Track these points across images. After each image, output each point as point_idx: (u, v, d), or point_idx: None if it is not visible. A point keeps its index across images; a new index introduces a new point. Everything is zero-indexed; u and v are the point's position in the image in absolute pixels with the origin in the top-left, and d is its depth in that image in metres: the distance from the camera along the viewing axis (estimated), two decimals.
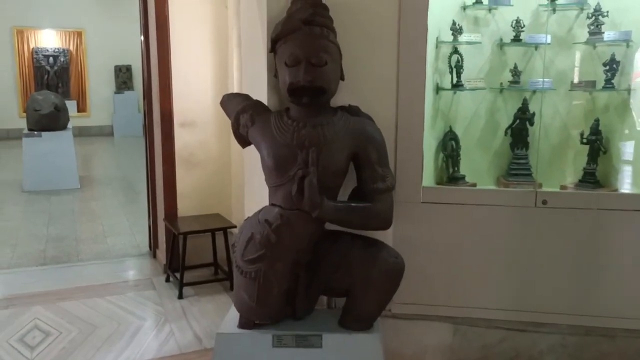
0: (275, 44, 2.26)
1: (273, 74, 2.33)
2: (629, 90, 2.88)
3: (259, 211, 2.24)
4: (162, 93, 4.11)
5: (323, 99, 2.19)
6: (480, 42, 2.98)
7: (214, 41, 4.14)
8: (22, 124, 8.63)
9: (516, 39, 2.98)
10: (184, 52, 4.08)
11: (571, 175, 3.01)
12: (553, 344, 2.66)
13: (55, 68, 13.31)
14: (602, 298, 2.62)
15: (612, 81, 2.85)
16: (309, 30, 2.17)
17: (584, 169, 2.91)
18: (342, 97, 2.34)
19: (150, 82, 4.39)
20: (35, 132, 7.38)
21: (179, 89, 4.10)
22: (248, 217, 2.32)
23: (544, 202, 2.59)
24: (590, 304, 2.63)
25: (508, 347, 2.70)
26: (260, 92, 2.47)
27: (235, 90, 3.71)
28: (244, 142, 2.37)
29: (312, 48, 2.15)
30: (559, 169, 3.04)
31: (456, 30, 2.90)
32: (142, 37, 4.52)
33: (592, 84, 2.91)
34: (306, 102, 2.16)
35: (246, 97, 2.40)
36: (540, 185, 2.86)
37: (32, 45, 13.13)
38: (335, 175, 2.17)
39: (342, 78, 2.29)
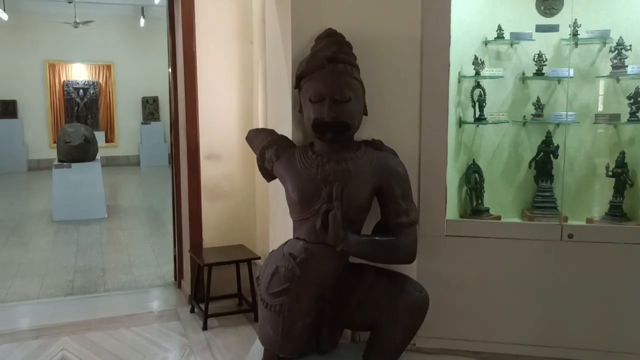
0: (299, 80, 2.31)
1: (298, 109, 2.38)
2: None
3: (284, 244, 2.26)
4: (189, 125, 4.19)
5: (347, 134, 2.22)
6: (502, 76, 3.00)
7: (239, 76, 4.23)
8: (52, 154, 8.85)
9: (539, 73, 3.00)
10: (211, 86, 4.17)
11: (597, 208, 2.98)
12: None
13: (85, 100, 13.66)
14: (633, 333, 2.56)
15: (637, 114, 2.84)
16: (332, 68, 2.22)
17: (610, 202, 2.88)
18: (365, 132, 2.37)
19: (177, 114, 4.49)
20: (65, 163, 7.55)
21: (205, 122, 4.17)
22: (273, 250, 2.34)
23: (570, 236, 2.57)
24: (620, 340, 2.57)
25: None
26: (285, 127, 2.52)
27: (260, 124, 3.78)
28: (269, 176, 2.41)
29: (336, 85, 2.19)
30: (584, 201, 3.02)
31: (478, 64, 2.93)
32: (170, 71, 4.64)
33: (616, 117, 2.90)
34: (330, 138, 2.20)
35: (271, 132, 2.44)
36: (566, 219, 2.84)
37: (63, 78, 13.52)
38: (359, 209, 2.19)
39: (366, 113, 2.33)
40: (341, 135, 2.20)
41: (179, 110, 4.43)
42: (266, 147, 2.35)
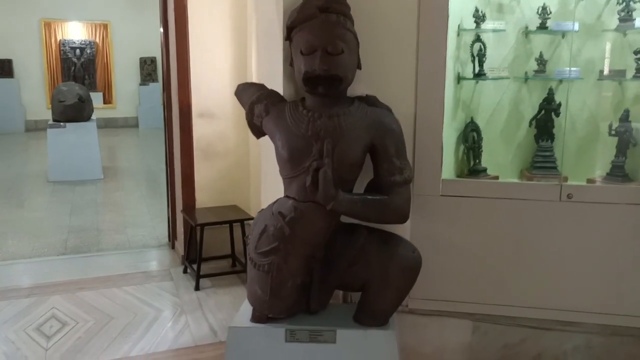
0: (290, 31, 2.21)
1: (289, 63, 2.28)
2: None
3: (273, 203, 2.20)
4: (180, 84, 4.09)
5: (339, 88, 2.13)
6: (504, 30, 2.87)
7: (232, 32, 4.10)
8: (49, 115, 8.74)
9: (542, 27, 2.87)
10: (203, 43, 4.05)
11: (598, 169, 2.89)
12: (578, 344, 2.57)
13: (82, 60, 13.48)
14: (630, 296, 2.51)
15: None
16: (325, 18, 2.11)
17: (612, 162, 2.79)
18: (359, 87, 2.27)
19: (169, 73, 4.38)
20: (60, 123, 7.47)
21: (197, 80, 4.08)
22: (262, 209, 2.28)
23: (570, 196, 2.49)
24: (617, 303, 2.53)
25: (530, 347, 2.61)
26: (275, 81, 2.43)
27: (254, 81, 3.67)
28: (258, 132, 2.33)
29: (328, 36, 2.08)
30: (585, 161, 2.93)
31: (479, 17, 2.80)
32: (162, 29, 4.51)
33: (622, 73, 2.79)
34: (322, 92, 2.10)
35: (261, 87, 2.35)
36: (566, 179, 2.75)
37: (59, 38, 13.31)
38: (351, 167, 2.12)
39: (359, 67, 2.23)
40: (333, 89, 2.11)
41: (171, 69, 4.32)
42: (255, 102, 2.27)
